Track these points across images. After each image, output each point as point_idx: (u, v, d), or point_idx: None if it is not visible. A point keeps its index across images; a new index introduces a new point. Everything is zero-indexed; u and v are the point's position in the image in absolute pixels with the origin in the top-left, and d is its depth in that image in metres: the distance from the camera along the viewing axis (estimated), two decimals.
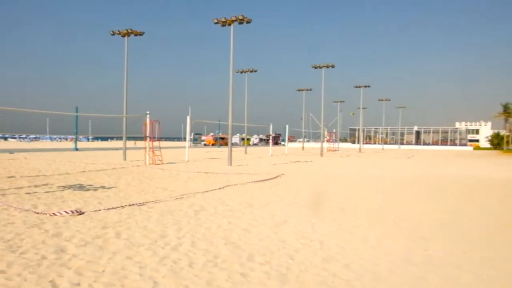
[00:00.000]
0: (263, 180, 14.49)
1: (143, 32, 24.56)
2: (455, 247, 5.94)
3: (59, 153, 31.11)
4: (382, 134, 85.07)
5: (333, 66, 35.36)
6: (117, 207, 8.46)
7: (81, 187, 11.68)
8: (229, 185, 12.81)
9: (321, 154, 34.55)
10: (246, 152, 37.57)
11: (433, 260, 5.31)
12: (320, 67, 35.45)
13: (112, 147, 50.63)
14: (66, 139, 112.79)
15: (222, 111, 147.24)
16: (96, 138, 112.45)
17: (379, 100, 63.89)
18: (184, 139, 76.17)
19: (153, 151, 21.13)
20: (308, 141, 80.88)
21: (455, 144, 78.07)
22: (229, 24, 22.05)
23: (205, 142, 73.14)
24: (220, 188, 12.06)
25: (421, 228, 7.22)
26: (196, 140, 69.19)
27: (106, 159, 24.81)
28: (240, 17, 21.80)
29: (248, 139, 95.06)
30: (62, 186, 11.76)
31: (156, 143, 21.63)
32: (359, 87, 50.45)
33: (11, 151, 30.89)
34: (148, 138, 21.33)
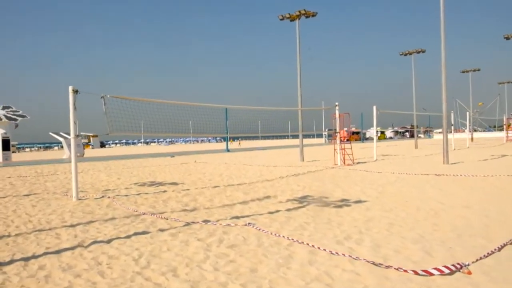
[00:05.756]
0: None
1: (316, 13, 20.88)
2: None
3: (213, 155, 29.64)
4: None
5: None
6: None
7: (329, 201, 8.09)
8: None
9: None
10: (416, 147, 31.82)
11: None
12: None
13: (252, 148, 49.16)
14: (197, 141, 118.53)
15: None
16: (214, 139, 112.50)
17: None
18: (318, 135, 72.44)
19: (344, 149, 17.32)
20: (448, 131, 69.96)
21: None
22: None
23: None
24: None
25: None
26: (330, 136, 64.87)
27: (281, 160, 21.83)
28: None
29: (382, 133, 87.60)
30: (296, 200, 8.33)
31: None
32: None
33: (172, 155, 30.44)
34: (337, 134, 17.60)
